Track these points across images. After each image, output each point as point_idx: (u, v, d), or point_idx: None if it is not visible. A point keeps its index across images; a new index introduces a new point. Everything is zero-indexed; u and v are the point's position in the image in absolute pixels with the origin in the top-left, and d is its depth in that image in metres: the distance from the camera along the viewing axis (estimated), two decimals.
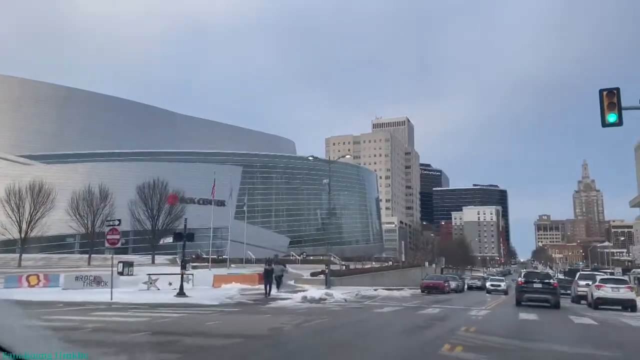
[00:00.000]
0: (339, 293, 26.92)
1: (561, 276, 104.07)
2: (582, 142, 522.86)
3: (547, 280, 26.13)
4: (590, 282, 28.03)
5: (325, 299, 22.77)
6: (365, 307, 20.45)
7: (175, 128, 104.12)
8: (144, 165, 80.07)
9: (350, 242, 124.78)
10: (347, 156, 34.14)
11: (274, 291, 28.20)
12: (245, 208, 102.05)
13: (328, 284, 36.62)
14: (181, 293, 23.61)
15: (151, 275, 31.62)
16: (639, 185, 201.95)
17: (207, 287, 32.97)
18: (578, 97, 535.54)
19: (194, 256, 70.79)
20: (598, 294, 24.68)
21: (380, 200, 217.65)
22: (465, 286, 59.71)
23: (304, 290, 29.85)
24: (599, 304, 24.73)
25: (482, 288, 55.53)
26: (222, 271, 42.29)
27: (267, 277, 27.17)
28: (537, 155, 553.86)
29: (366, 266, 64.42)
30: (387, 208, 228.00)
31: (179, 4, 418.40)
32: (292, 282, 41.05)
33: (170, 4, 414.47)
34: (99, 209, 61.32)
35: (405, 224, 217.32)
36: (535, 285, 25.24)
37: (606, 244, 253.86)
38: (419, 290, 40.11)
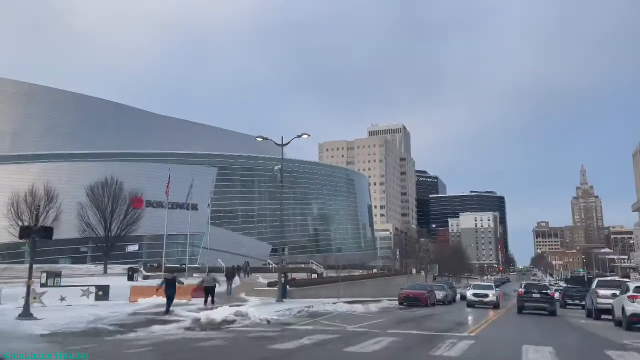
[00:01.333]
0: (272, 310, 19.50)
1: (562, 284, 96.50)
2: (580, 148, 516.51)
3: (544, 291, 29.07)
4: (617, 292, 20.29)
5: (232, 321, 15.12)
6: (283, 335, 12.83)
7: (149, 128, 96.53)
8: (104, 166, 72.34)
9: (340, 249, 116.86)
10: (304, 135, 26.02)
11: (209, 304, 23.10)
12: (222, 213, 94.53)
13: (279, 297, 29.04)
14: (26, 314, 16.02)
15: (35, 288, 23.87)
16: (637, 190, 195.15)
17: (121, 302, 25.56)
18: (575, 103, 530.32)
19: (155, 265, 63.15)
20: (634, 308, 17.04)
21: (375, 206, 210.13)
22: (458, 296, 52.42)
23: (241, 304, 22.52)
24: (635, 322, 17.15)
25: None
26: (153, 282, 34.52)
27: (168, 290, 19.74)
28: (534, 162, 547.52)
29: (346, 274, 56.86)
30: (381, 215, 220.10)
31: (179, 17, 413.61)
32: (242, 295, 33.60)
33: (171, 17, 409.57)
34: (42, 212, 53.51)
35: (401, 231, 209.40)
36: (534, 295, 27.76)
37: (606, 250, 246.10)
38: (397, 302, 32.46)
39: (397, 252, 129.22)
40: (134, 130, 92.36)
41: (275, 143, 30.22)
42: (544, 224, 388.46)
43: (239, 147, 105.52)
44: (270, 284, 35.38)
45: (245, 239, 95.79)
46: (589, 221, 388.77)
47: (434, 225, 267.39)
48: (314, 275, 45.80)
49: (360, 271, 71.82)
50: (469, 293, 36.22)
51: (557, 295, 57.48)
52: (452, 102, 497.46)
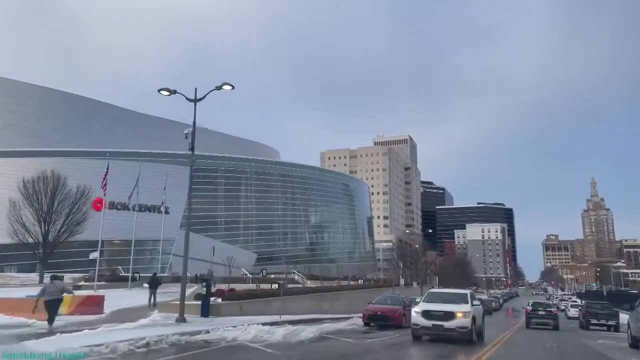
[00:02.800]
0: (136, 335, 10.80)
1: (576, 299, 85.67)
2: (590, 160, 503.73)
3: (549, 309, 33.20)
4: None
5: None
6: None
7: (123, 125, 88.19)
8: (57, 162, 63.76)
9: (333, 259, 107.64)
10: (226, 86, 17.63)
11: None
12: (202, 219, 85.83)
13: (202, 312, 20.16)
14: None
15: None
16: None
17: None
18: (584, 116, 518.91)
19: (107, 273, 54.50)
20: None
21: (378, 217, 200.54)
22: None
23: (114, 326, 13.94)
24: None
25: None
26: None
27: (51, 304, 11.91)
28: (543, 175, 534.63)
29: (334, 284, 48.01)
30: (385, 225, 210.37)
31: (191, 37, 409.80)
32: (154, 312, 24.80)
33: (184, 38, 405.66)
34: None
35: (405, 242, 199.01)
36: (540, 312, 32.32)
37: (619, 263, 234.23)
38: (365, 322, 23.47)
39: (401, 264, 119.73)
40: (106, 126, 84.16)
41: (187, 98, 21.66)
42: (553, 237, 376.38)
43: (230, 152, 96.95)
44: (197, 297, 26.49)
45: (227, 247, 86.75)
46: (600, 234, 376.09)
47: (445, 242, 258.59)
48: (275, 286, 36.85)
49: (351, 282, 62.52)
50: (417, 310, 17.39)
51: (572, 312, 48.96)
52: (460, 116, 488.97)
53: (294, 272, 67.53)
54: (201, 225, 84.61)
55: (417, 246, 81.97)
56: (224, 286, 38.12)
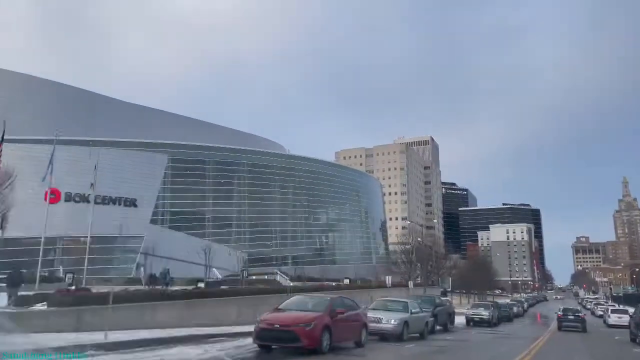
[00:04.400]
0: None
1: (614, 304, 71.72)
2: (621, 159, 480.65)
3: (577, 314, 37.32)
4: None
5: None
6: None
7: (96, 112, 79.16)
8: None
9: (334, 261, 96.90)
10: None
11: None
12: (184, 215, 76.49)
13: None
14: None
15: None
16: None
17: None
18: (614, 114, 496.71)
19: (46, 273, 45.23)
20: None
21: (396, 218, 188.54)
22: (460, 319, 32.97)
23: None
24: None
25: (488, 322, 34.89)
26: None
27: None
28: (572, 176, 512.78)
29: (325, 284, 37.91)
30: (403, 227, 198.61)
31: (217, 44, 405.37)
32: None
33: (214, 45, 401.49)
34: None
35: (425, 245, 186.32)
36: (569, 317, 36.39)
37: None
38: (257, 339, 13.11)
39: (411, 265, 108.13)
40: (77, 112, 75.21)
41: None
42: (583, 239, 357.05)
43: (215, 139, 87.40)
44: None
45: (213, 246, 76.96)
46: (634, 235, 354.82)
47: (468, 244, 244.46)
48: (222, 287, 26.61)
49: (334, 283, 51.85)
50: None
51: (614, 318, 43.02)
52: (483, 118, 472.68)
53: (277, 273, 57.67)
54: (185, 223, 75.17)
55: (427, 245, 70.80)
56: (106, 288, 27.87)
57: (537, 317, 55.32)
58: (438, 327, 26.20)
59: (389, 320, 18.52)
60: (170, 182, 74.76)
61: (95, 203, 51.51)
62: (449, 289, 66.31)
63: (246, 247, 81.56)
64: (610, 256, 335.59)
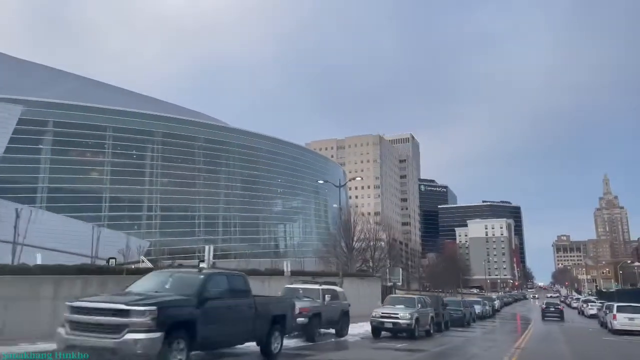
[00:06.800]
0: None
1: (596, 300, 57.55)
2: (602, 158, 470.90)
3: (557, 307, 44.80)
4: None
5: None
6: None
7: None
8: None
9: (281, 254, 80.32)
10: None
11: None
12: (61, 193, 59.50)
13: None
14: None
15: None
16: None
17: None
18: (595, 115, 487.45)
19: None
20: None
21: (369, 213, 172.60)
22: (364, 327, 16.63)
23: None
24: None
25: (408, 330, 19.11)
26: None
27: None
28: (552, 177, 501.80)
29: None
30: (376, 222, 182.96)
31: (202, 47, 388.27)
32: None
33: (196, 48, 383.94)
34: None
35: (399, 242, 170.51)
36: (550, 309, 43.52)
37: (637, 263, 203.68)
38: None
39: (401, 269, 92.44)
40: None
41: None
42: (564, 237, 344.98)
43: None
44: None
45: (104, 232, 59.90)
46: (615, 234, 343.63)
47: (445, 241, 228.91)
48: None
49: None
50: None
51: (622, 321, 27.63)
52: (466, 119, 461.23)
53: (142, 260, 41.66)
54: (69, 203, 58.19)
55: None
56: None
57: (517, 320, 41.49)
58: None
59: None
60: (52, 151, 57.83)
61: None
62: (399, 283, 50.40)
63: (156, 236, 64.74)
64: (592, 254, 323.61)
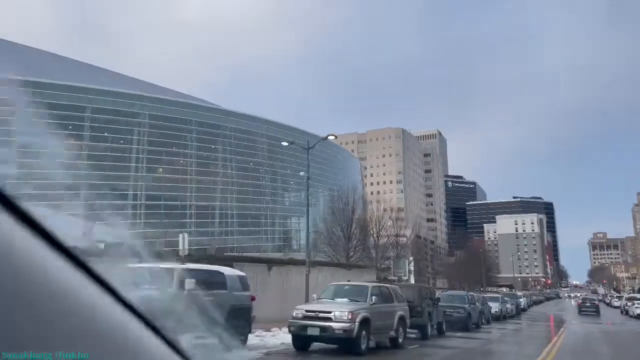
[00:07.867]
0: None
1: None
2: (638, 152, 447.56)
3: (593, 302, 46.88)
4: None
5: None
6: None
7: None
8: None
9: (283, 247, 73.08)
10: None
11: None
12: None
13: None
14: None
15: None
16: None
17: None
18: (629, 109, 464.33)
19: None
20: None
21: (391, 209, 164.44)
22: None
23: None
24: None
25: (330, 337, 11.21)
26: None
27: None
28: (585, 173, 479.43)
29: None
30: (398, 219, 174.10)
31: (233, 56, 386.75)
32: None
33: (229, 58, 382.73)
34: None
35: (424, 239, 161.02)
36: (587, 304, 45.70)
37: None
38: None
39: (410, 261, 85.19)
40: None
41: None
42: (601, 234, 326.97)
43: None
44: None
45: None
46: None
47: (473, 238, 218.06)
48: None
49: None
50: None
51: None
52: (496, 118, 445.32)
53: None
54: (40, 190, 52.19)
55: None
56: None
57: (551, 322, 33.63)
58: None
59: None
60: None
61: None
62: (405, 277, 42.37)
63: (140, 227, 58.24)
64: (630, 252, 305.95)
